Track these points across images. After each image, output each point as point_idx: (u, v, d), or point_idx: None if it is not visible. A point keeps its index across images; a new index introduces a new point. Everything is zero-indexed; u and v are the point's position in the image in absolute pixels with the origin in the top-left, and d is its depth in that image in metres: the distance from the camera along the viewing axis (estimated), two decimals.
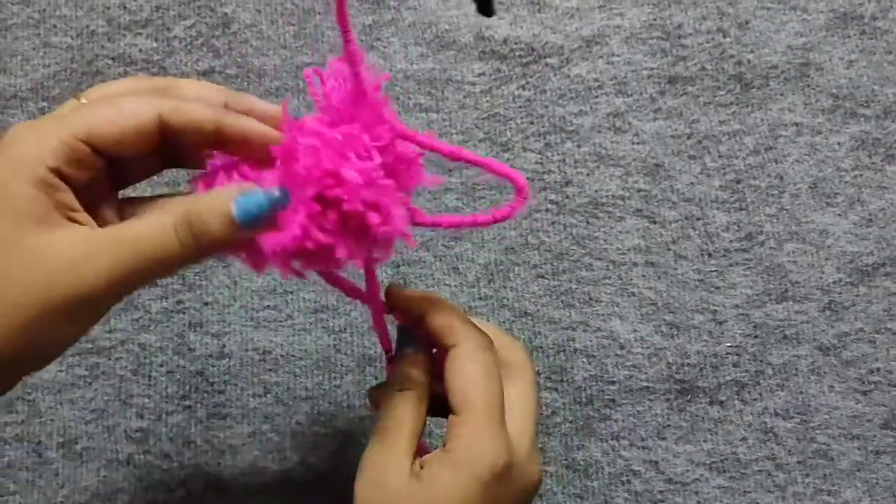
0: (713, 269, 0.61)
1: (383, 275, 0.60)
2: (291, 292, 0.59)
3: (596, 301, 0.60)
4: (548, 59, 0.64)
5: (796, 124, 0.64)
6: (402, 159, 0.39)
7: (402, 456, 0.40)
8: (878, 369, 0.60)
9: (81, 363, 0.58)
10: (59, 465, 0.57)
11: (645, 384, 0.60)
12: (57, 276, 0.33)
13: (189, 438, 0.57)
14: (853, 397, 0.60)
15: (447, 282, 0.60)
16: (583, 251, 0.61)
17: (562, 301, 0.60)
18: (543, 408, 0.59)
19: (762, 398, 0.60)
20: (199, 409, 0.58)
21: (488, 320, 0.60)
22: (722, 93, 0.64)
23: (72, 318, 0.34)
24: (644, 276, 0.61)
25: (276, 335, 0.59)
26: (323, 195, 0.36)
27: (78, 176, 0.35)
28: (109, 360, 0.58)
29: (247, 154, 0.38)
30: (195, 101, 0.38)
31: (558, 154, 0.62)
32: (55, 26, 0.62)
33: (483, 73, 0.63)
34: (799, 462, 0.59)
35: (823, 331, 0.61)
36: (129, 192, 0.40)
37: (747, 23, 0.65)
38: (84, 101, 0.38)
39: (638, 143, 0.63)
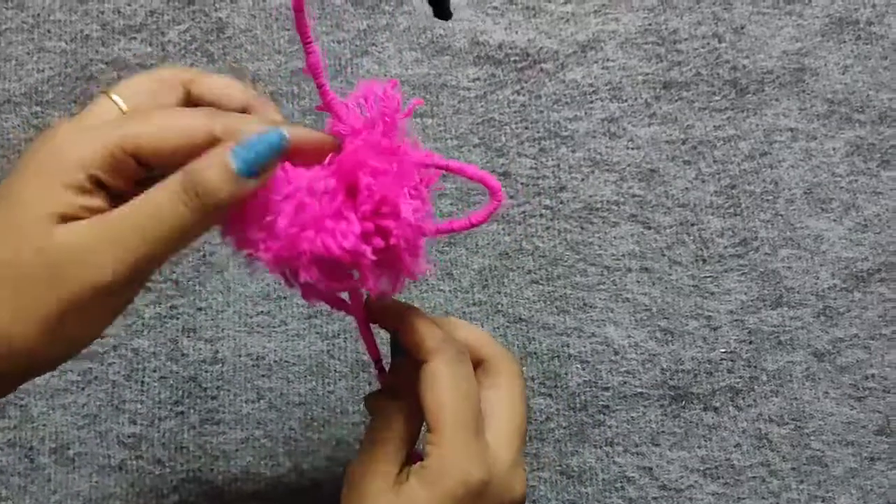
0: (707, 274, 0.61)
1: None
2: (285, 298, 0.59)
3: (590, 307, 0.60)
4: (543, 65, 0.64)
5: (791, 129, 0.63)
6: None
7: (387, 467, 0.40)
8: (873, 375, 0.60)
9: (74, 368, 0.58)
10: (51, 471, 0.56)
11: (639, 390, 0.59)
12: (78, 269, 0.33)
13: (182, 444, 0.57)
14: (848, 403, 0.60)
15: (441, 287, 0.60)
16: (577, 257, 0.61)
17: (556, 307, 0.60)
18: (537, 413, 0.59)
19: (756, 404, 0.60)
20: (192, 415, 0.58)
21: (482, 326, 0.60)
22: (717, 98, 0.64)
23: (95, 311, 0.34)
24: (638, 281, 0.61)
25: (269, 341, 0.59)
26: (375, 220, 0.35)
27: (116, 184, 0.35)
28: (102, 365, 0.58)
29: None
30: (245, 117, 0.37)
31: (553, 159, 0.62)
32: (49, 31, 0.62)
33: (478, 79, 0.63)
34: (793, 468, 0.59)
35: (818, 337, 0.60)
36: None
37: (742, 28, 0.65)
38: (115, 96, 0.38)
39: (633, 149, 0.63)
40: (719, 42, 0.64)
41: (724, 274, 0.61)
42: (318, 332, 0.59)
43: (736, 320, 0.60)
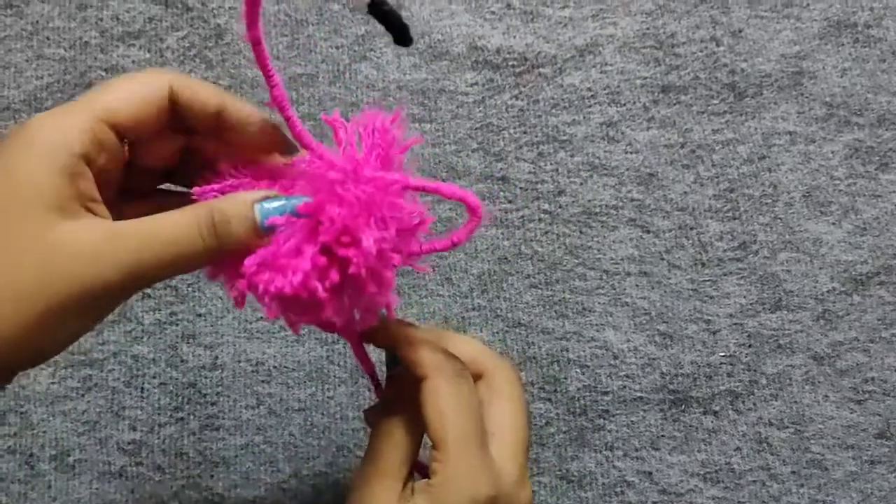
0: (707, 278, 0.61)
1: None
2: None
3: (589, 311, 0.60)
4: (541, 69, 0.64)
5: (790, 133, 0.63)
6: (406, 229, 0.38)
7: (390, 483, 0.39)
8: (873, 378, 0.60)
9: (74, 375, 0.58)
10: (51, 478, 0.56)
11: (639, 394, 0.59)
12: (76, 267, 0.33)
13: (182, 450, 0.57)
14: (847, 407, 0.60)
15: (440, 292, 0.60)
16: (576, 261, 0.61)
17: (555, 311, 0.60)
18: (537, 418, 0.59)
19: (756, 408, 0.60)
20: (192, 421, 0.58)
21: (481, 331, 0.60)
22: (715, 102, 0.64)
23: (84, 311, 0.34)
24: (637, 285, 0.61)
25: (268, 346, 0.59)
26: (331, 249, 0.35)
27: (101, 161, 0.35)
28: (102, 371, 0.58)
29: (241, 148, 0.38)
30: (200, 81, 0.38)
31: (551, 164, 0.62)
32: (48, 38, 0.62)
33: (476, 83, 0.63)
34: (793, 472, 0.59)
35: (817, 340, 0.60)
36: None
37: (741, 31, 0.65)
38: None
39: (631, 153, 0.63)
40: (717, 46, 0.64)
41: (724, 277, 0.61)
42: (317, 338, 0.59)
43: (735, 324, 0.60)
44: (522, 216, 0.61)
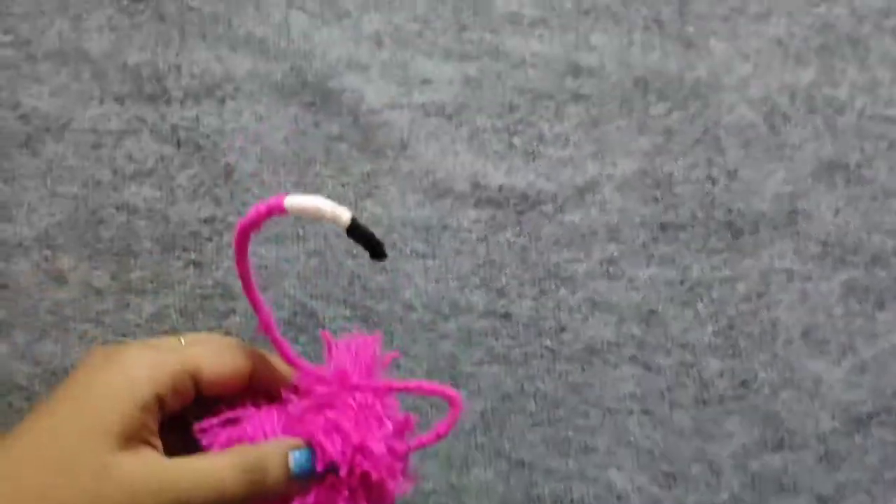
0: (708, 417, 0.61)
1: None
2: None
3: (593, 450, 0.60)
4: (542, 207, 0.65)
5: (787, 271, 0.65)
6: (397, 430, 0.42)
7: None
8: None
9: None
10: None
11: None
12: (124, 498, 0.35)
13: None
14: None
15: None
16: (578, 398, 0.61)
17: (558, 450, 0.60)
18: None
19: None
20: None
21: (485, 470, 0.60)
22: (713, 239, 0.65)
23: None
24: (640, 424, 0.61)
25: None
26: (352, 468, 0.39)
27: (173, 406, 0.38)
28: None
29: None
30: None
31: (553, 300, 0.63)
32: (62, 176, 0.64)
33: (479, 221, 0.65)
34: None
35: (821, 481, 0.60)
36: None
37: (736, 171, 0.66)
38: (183, 340, 0.42)
39: (631, 290, 0.64)
40: (713, 185, 0.66)
41: (725, 416, 0.61)
42: None
43: (738, 464, 0.60)
44: (525, 353, 0.62)
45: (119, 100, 0.66)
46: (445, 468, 0.60)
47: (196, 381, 0.39)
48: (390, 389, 0.42)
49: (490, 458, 0.60)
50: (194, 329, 0.62)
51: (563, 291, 0.64)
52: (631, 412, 0.61)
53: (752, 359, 0.63)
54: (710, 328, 0.63)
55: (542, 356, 0.62)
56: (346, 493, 0.39)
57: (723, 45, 0.70)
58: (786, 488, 0.60)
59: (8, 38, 0.65)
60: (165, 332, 0.62)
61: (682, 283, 0.64)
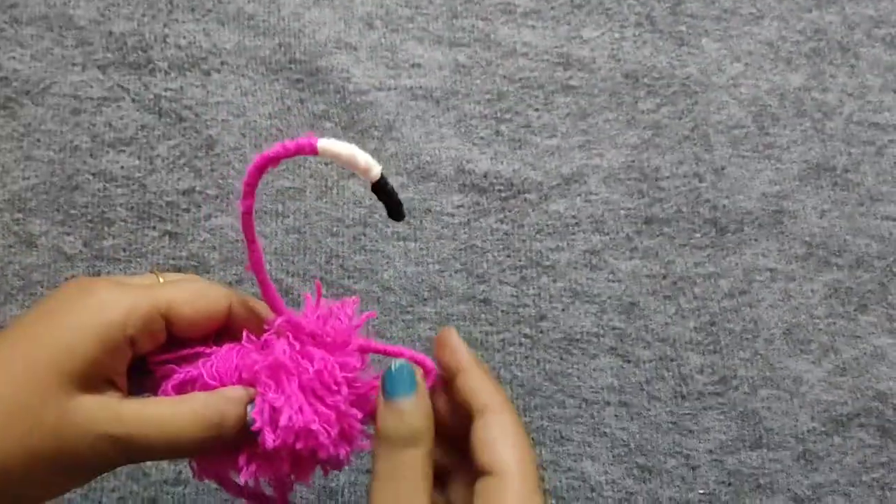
0: (687, 411, 0.60)
1: None
2: None
3: (567, 440, 0.59)
4: (527, 195, 0.64)
5: (770, 270, 0.64)
6: (360, 394, 0.42)
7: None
8: None
9: None
10: None
11: None
12: (81, 441, 0.34)
13: None
14: None
15: None
16: (555, 388, 0.60)
17: (533, 439, 0.59)
18: None
19: None
20: None
21: None
22: (697, 235, 0.64)
23: (72, 476, 0.36)
24: (617, 416, 0.60)
25: None
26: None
27: (145, 347, 0.37)
28: None
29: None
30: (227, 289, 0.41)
31: (534, 288, 0.62)
32: (39, 140, 0.63)
33: (462, 205, 0.64)
34: None
35: (798, 481, 0.59)
36: None
37: (723, 169, 0.66)
38: (162, 280, 0.41)
39: (613, 282, 0.63)
40: (700, 181, 0.66)
41: (704, 412, 0.60)
42: None
43: (715, 460, 0.59)
44: (503, 339, 0.61)
45: (102, 67, 0.65)
46: None
47: (169, 323, 0.38)
48: (366, 350, 0.42)
49: None
50: None
51: (544, 279, 0.63)
52: (608, 403, 0.60)
53: (733, 356, 0.62)
54: (691, 323, 0.62)
55: (520, 343, 0.61)
56: (288, 461, 0.39)
57: (714, 45, 0.70)
58: (763, 487, 0.59)
59: None
60: None
61: (664, 277, 0.63)
